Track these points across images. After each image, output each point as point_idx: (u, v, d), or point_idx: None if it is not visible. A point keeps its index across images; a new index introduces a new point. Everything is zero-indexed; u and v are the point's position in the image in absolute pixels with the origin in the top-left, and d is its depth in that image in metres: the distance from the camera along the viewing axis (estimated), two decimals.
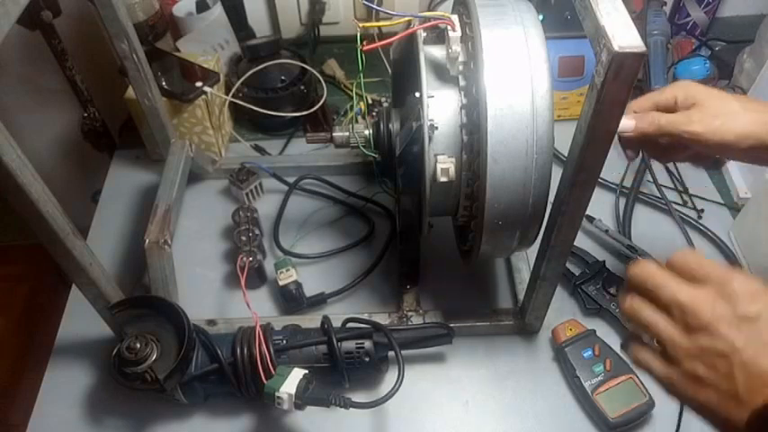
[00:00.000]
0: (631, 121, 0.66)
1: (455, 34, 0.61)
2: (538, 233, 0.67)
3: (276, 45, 1.08)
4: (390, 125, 0.72)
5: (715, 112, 0.63)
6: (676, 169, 1.02)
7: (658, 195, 0.96)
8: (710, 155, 0.70)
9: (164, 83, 0.95)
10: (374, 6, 1.10)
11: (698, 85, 0.66)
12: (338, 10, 1.19)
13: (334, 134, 0.76)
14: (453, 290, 0.86)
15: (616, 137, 0.68)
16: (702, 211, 0.96)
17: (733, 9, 1.26)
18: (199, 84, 0.95)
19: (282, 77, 1.06)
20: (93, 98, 1.14)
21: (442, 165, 0.63)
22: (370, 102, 1.07)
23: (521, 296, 0.81)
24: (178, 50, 1.08)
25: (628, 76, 0.46)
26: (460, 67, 0.64)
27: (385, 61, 1.04)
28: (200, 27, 1.10)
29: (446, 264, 0.86)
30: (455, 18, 0.62)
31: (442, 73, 0.66)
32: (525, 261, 0.87)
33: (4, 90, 1.28)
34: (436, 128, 0.63)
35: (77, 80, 1.09)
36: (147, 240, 0.81)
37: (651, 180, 0.96)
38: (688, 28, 1.19)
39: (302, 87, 1.06)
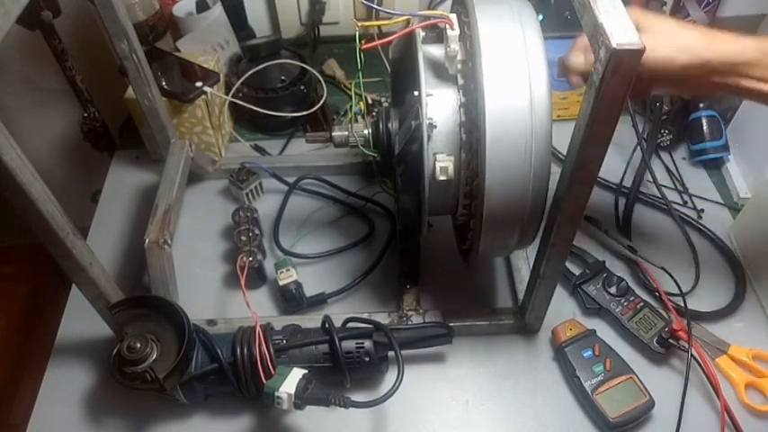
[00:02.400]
0: (580, 57, 0.72)
1: (453, 33, 0.61)
2: (537, 232, 0.67)
3: (276, 45, 1.08)
4: (389, 124, 0.72)
5: (650, 30, 0.62)
6: (676, 169, 1.02)
7: (658, 195, 0.95)
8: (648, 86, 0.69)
9: (164, 83, 0.95)
10: (374, 6, 1.10)
11: (636, 9, 0.63)
12: (338, 10, 1.19)
13: (333, 133, 0.76)
14: (453, 289, 0.86)
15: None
16: (702, 211, 0.96)
17: (733, 9, 1.25)
18: (199, 84, 0.95)
19: (282, 77, 1.06)
20: (93, 98, 1.14)
21: (441, 163, 0.63)
22: (370, 101, 1.07)
23: (520, 295, 0.81)
24: (178, 50, 1.08)
25: (626, 74, 0.46)
26: (459, 66, 0.64)
27: (385, 61, 1.04)
28: (200, 27, 1.10)
29: (446, 263, 0.86)
30: (453, 17, 0.62)
31: (440, 72, 0.66)
32: (525, 260, 0.87)
33: (4, 90, 1.28)
34: (435, 126, 0.63)
35: (77, 80, 1.09)
36: (147, 240, 0.81)
37: (651, 180, 0.96)
38: None
39: (302, 87, 1.06)
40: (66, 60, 1.05)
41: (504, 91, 0.58)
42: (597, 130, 0.51)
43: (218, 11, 1.11)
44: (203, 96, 0.95)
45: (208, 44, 1.11)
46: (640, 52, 0.45)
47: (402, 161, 0.67)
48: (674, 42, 0.63)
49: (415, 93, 0.64)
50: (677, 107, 1.07)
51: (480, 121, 0.59)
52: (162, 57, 1.01)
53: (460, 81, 0.65)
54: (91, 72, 1.13)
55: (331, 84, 1.16)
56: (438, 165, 0.63)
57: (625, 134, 1.00)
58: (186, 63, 1.00)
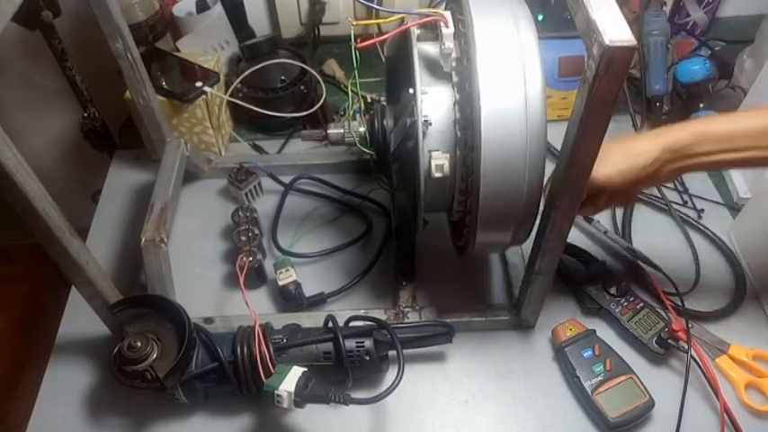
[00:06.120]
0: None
1: (448, 31, 0.61)
2: (532, 228, 0.67)
3: (275, 42, 1.08)
4: (385, 122, 0.72)
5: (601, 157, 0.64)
6: None
7: (658, 195, 0.95)
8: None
9: (164, 83, 0.96)
10: (373, 5, 1.10)
11: None
12: (338, 10, 1.19)
13: (328, 131, 0.77)
14: (449, 286, 0.86)
15: None
16: (702, 211, 0.96)
17: (733, 9, 1.25)
18: (199, 84, 0.95)
19: (282, 77, 1.06)
20: (93, 98, 1.14)
21: (437, 161, 0.63)
22: (369, 101, 1.07)
23: (516, 291, 0.81)
24: (178, 50, 1.08)
25: (619, 70, 0.46)
26: (454, 64, 0.64)
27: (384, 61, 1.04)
28: (200, 27, 1.10)
29: (442, 260, 0.86)
30: (448, 15, 0.62)
31: (435, 69, 0.66)
32: (520, 257, 0.87)
33: (4, 90, 1.29)
34: (430, 124, 0.64)
35: (77, 80, 1.09)
36: (144, 239, 0.81)
37: None
38: (688, 28, 1.19)
39: (302, 87, 1.06)
40: (67, 60, 1.05)
41: (499, 88, 0.58)
42: (591, 125, 0.51)
43: (218, 11, 1.12)
44: (203, 96, 0.96)
45: (208, 44, 1.11)
46: (633, 49, 0.45)
47: (398, 158, 0.67)
48: (627, 152, 0.68)
49: (410, 90, 0.64)
50: (677, 107, 1.06)
51: (475, 119, 0.59)
52: (162, 57, 1.02)
53: (455, 78, 0.65)
54: (91, 72, 1.13)
55: (331, 84, 1.16)
56: (433, 162, 0.63)
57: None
58: (186, 63, 1.00)
